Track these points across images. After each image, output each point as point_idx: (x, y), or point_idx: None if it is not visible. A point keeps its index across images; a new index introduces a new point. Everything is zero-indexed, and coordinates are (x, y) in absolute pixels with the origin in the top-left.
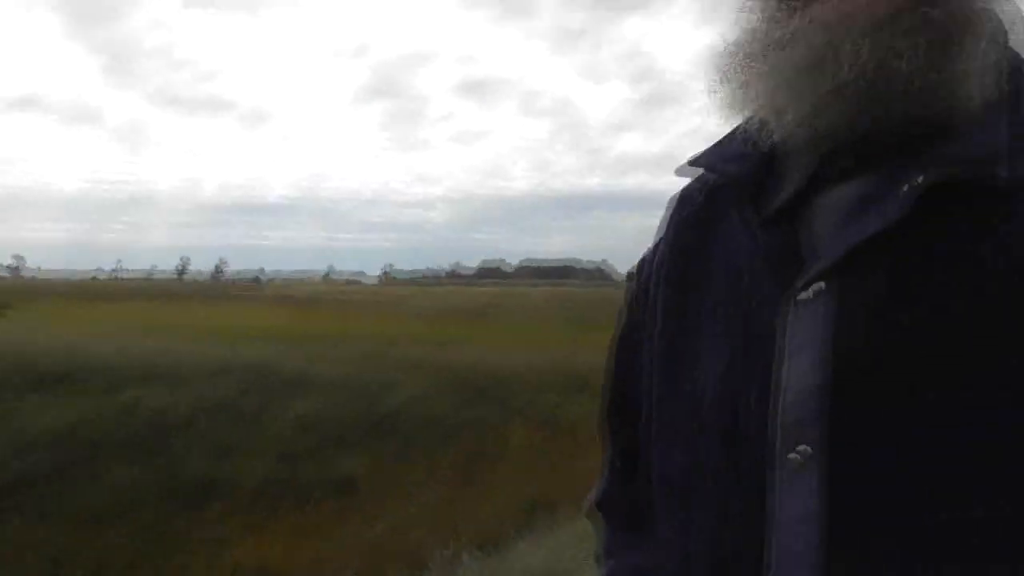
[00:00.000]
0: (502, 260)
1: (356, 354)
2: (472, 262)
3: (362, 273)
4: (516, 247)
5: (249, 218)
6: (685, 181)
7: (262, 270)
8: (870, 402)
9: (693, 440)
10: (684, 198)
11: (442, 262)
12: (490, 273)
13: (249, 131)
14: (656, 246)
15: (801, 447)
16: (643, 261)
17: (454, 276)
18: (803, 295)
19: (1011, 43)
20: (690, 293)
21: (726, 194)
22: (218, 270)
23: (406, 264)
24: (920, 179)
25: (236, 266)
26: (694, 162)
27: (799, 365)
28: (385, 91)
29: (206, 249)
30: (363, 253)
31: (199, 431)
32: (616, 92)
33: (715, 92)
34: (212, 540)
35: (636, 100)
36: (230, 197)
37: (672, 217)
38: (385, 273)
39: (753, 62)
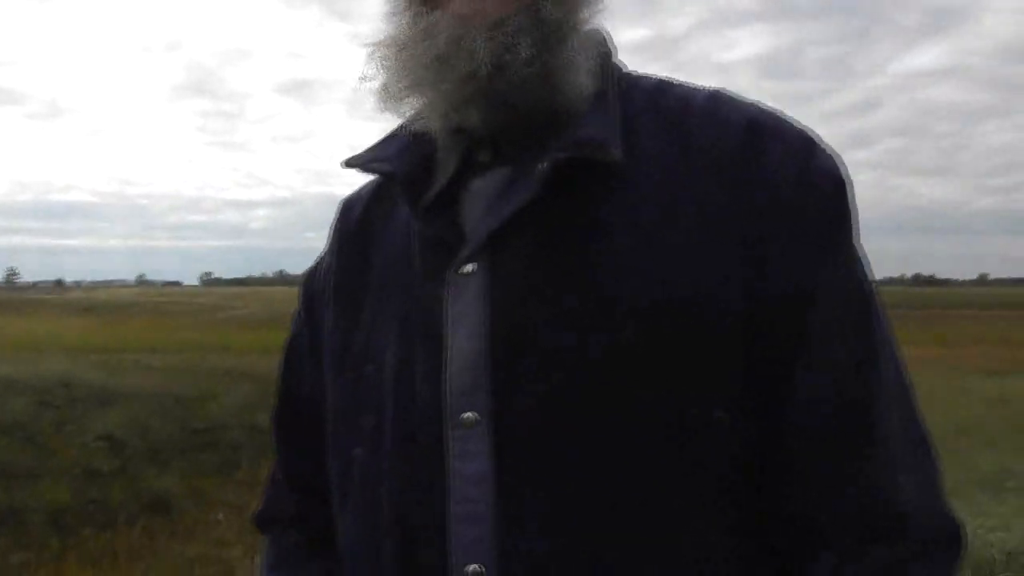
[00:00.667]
0: None
1: (170, 365)
2: (300, 266)
3: (179, 283)
4: None
5: (46, 221)
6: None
7: (60, 280)
8: (527, 372)
9: (374, 430)
10: (347, 206)
11: (268, 267)
12: None
13: (46, 127)
14: (325, 255)
15: (470, 414)
16: (313, 270)
17: (283, 278)
18: (460, 274)
19: (610, 53)
20: (360, 292)
21: (390, 191)
22: (9, 277)
23: (228, 270)
24: (545, 163)
25: (31, 274)
26: (349, 163)
27: (461, 340)
28: (202, 88)
29: None
30: (180, 257)
31: None
32: None
33: (368, 85)
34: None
35: None
36: (23, 197)
37: (337, 226)
38: (204, 283)
39: (398, 57)
